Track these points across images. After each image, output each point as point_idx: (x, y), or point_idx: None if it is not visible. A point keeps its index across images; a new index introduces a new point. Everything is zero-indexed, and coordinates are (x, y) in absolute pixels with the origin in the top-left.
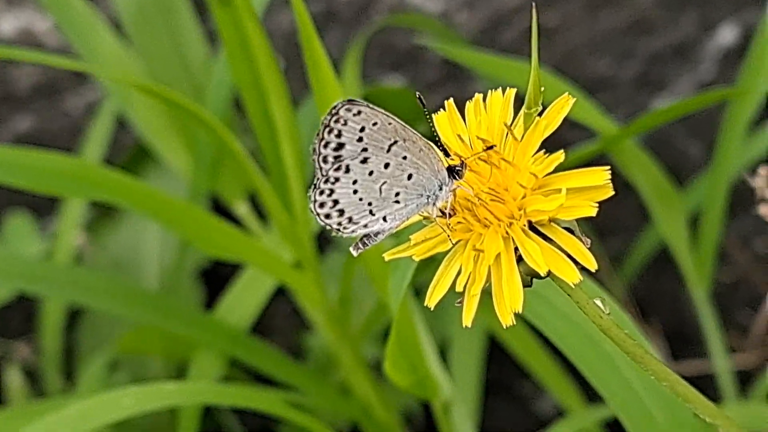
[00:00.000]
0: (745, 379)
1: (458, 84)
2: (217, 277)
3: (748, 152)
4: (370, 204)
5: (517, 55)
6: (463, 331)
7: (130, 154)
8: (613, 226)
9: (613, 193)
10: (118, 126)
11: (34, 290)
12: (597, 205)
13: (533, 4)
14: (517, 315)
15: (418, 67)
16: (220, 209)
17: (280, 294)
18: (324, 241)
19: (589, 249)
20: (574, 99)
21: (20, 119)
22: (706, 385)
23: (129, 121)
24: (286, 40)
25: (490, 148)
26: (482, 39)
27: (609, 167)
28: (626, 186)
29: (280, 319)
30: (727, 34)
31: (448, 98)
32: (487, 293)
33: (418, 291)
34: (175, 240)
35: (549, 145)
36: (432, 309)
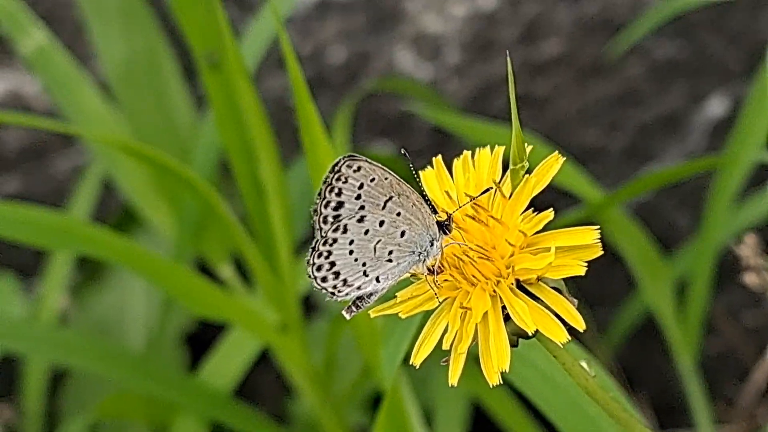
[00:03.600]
0: None
1: (447, 151)
2: (202, 342)
3: (736, 222)
4: (364, 264)
5: (507, 123)
6: (447, 398)
7: (117, 218)
8: (600, 296)
9: (602, 252)
10: (105, 190)
11: (16, 348)
12: (586, 264)
13: (509, 59)
14: (502, 378)
15: (408, 134)
16: (206, 272)
17: (265, 360)
18: (309, 306)
19: (576, 309)
20: (564, 158)
21: (7, 180)
22: None
23: (115, 184)
24: (276, 104)
25: (481, 194)
26: (472, 107)
27: (598, 226)
28: (614, 256)
29: (266, 385)
30: (716, 106)
31: None
32: (472, 358)
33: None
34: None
35: (537, 211)
36: (417, 368)
